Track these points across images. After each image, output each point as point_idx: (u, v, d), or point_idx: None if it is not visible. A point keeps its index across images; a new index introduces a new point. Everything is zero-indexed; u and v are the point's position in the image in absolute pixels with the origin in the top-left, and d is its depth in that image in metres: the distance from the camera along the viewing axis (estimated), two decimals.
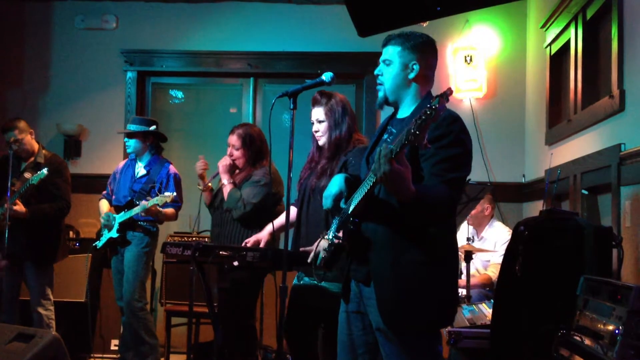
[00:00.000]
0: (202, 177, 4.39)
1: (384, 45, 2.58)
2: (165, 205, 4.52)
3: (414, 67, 2.53)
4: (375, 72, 2.59)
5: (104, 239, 4.70)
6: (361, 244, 2.48)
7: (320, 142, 3.52)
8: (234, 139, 4.27)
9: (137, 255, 4.66)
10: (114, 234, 4.64)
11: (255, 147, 4.26)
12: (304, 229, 3.50)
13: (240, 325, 4.15)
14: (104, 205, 4.87)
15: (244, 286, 4.06)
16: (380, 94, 2.59)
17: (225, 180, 4.22)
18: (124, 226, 4.64)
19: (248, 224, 4.15)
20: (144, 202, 4.47)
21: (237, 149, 4.26)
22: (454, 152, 2.37)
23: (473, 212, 4.76)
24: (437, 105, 2.00)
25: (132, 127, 4.78)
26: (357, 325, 2.60)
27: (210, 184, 4.42)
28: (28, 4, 5.99)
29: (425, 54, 2.56)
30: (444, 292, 2.44)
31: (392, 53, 2.54)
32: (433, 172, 2.35)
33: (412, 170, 2.32)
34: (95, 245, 4.77)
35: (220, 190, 4.33)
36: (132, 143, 4.80)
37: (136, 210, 4.51)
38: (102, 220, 4.74)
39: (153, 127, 4.80)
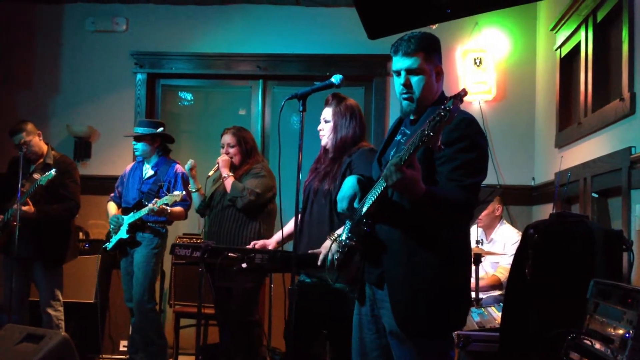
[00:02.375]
0: (194, 177, 4.58)
1: (404, 54, 2.47)
2: (174, 204, 4.56)
3: (437, 70, 2.52)
4: (400, 83, 2.49)
5: (113, 240, 4.73)
6: (374, 246, 2.48)
7: (322, 142, 3.54)
8: (228, 138, 4.53)
9: (146, 257, 4.67)
10: (123, 234, 4.67)
11: (249, 144, 4.54)
12: (306, 230, 3.49)
13: (243, 324, 4.19)
14: (112, 208, 4.90)
15: (245, 285, 4.11)
16: (410, 105, 2.50)
17: (225, 173, 4.40)
18: (134, 227, 4.66)
19: (249, 216, 4.32)
20: (151, 204, 4.49)
21: (233, 147, 4.50)
22: (471, 157, 2.36)
23: (484, 212, 4.76)
24: (452, 107, 1.98)
25: (140, 130, 4.81)
26: (370, 329, 2.59)
27: (200, 186, 4.61)
28: (39, 6, 6.03)
29: (439, 52, 2.56)
30: (458, 295, 2.44)
31: (417, 61, 2.46)
32: (451, 177, 2.33)
33: (427, 171, 2.32)
34: (106, 247, 4.79)
35: (214, 193, 4.48)
36: (140, 146, 4.82)
37: (144, 210, 4.54)
38: (111, 224, 4.77)
39: (160, 129, 4.83)
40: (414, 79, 2.48)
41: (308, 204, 3.52)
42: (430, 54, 2.49)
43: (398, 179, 2.14)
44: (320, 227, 3.34)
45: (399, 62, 2.50)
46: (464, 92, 2.05)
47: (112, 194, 5.01)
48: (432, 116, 2.02)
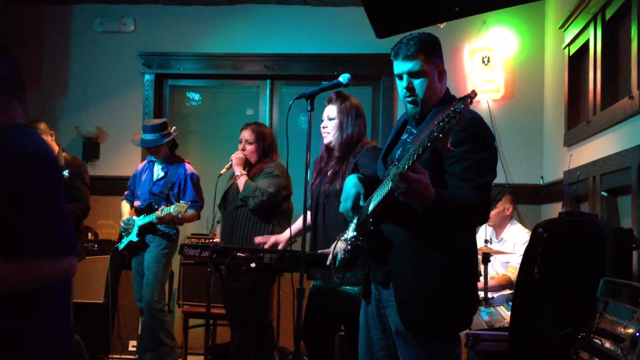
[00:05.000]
0: None
1: (405, 58, 2.46)
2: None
3: (439, 69, 2.50)
4: (403, 87, 2.48)
5: (124, 242, 4.76)
6: (381, 245, 2.47)
7: (326, 140, 3.50)
8: (247, 134, 4.38)
9: (157, 257, 4.69)
10: (133, 237, 4.69)
11: (267, 142, 4.39)
12: (321, 234, 3.47)
13: (256, 325, 4.17)
14: (126, 208, 4.92)
15: (256, 286, 4.08)
16: (414, 108, 2.49)
17: (238, 172, 4.28)
18: (144, 230, 4.68)
19: (262, 216, 4.21)
20: (158, 212, 4.51)
21: (251, 143, 4.36)
22: (482, 156, 2.35)
23: (494, 212, 4.75)
24: (462, 109, 1.97)
25: (149, 137, 4.78)
26: (377, 328, 2.58)
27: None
28: (47, 7, 6.05)
29: (440, 51, 2.53)
30: (465, 295, 2.43)
31: (418, 63, 2.44)
32: (464, 177, 2.32)
33: (435, 172, 2.31)
34: (117, 247, 4.82)
35: (228, 191, 4.40)
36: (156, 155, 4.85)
37: (152, 217, 4.57)
38: (122, 224, 4.79)
39: (171, 133, 4.83)
40: (417, 82, 2.46)
41: (319, 208, 3.50)
42: (431, 55, 2.47)
43: (405, 187, 2.14)
44: (336, 228, 3.27)
45: (400, 66, 2.49)
46: (473, 94, 2.03)
47: (126, 192, 5.03)
48: (441, 117, 2.00)
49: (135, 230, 4.70)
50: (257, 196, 4.14)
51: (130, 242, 4.72)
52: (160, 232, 4.71)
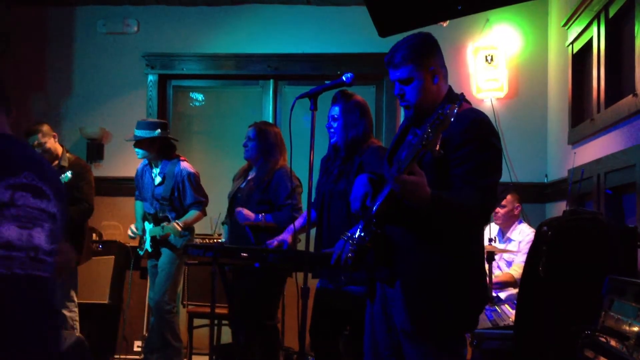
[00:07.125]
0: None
1: (393, 67, 2.49)
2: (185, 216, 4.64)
3: (433, 71, 2.50)
4: (396, 93, 2.53)
5: (142, 252, 4.87)
6: (386, 245, 2.47)
7: (332, 140, 3.51)
8: (250, 132, 4.34)
9: (170, 258, 4.69)
10: (148, 247, 4.76)
11: (269, 141, 4.29)
12: (326, 233, 3.47)
13: (262, 326, 4.16)
14: (139, 208, 4.97)
15: (264, 287, 4.06)
16: (410, 112, 2.52)
17: (261, 221, 4.11)
18: (156, 240, 4.71)
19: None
20: (160, 228, 4.60)
21: (252, 140, 4.29)
22: (485, 158, 2.35)
23: (503, 211, 4.74)
24: (446, 112, 2.07)
25: (139, 133, 4.77)
26: (382, 328, 2.58)
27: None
28: (51, 9, 6.06)
29: (433, 52, 2.53)
30: (471, 295, 2.43)
31: (406, 71, 2.47)
32: (467, 179, 2.32)
33: (439, 175, 2.32)
34: (138, 252, 4.92)
35: (236, 194, 4.35)
36: (139, 150, 4.82)
37: (158, 230, 4.64)
38: (129, 233, 4.82)
39: (157, 132, 4.75)
40: (407, 88, 2.49)
41: (325, 207, 3.50)
42: (422, 59, 2.47)
43: (399, 189, 2.18)
44: (340, 228, 3.21)
45: (392, 74, 2.53)
46: (461, 96, 2.21)
47: (136, 192, 5.03)
48: (431, 120, 2.08)
49: (148, 240, 4.74)
50: (293, 217, 3.99)
51: (147, 251, 4.80)
52: (170, 244, 4.72)
